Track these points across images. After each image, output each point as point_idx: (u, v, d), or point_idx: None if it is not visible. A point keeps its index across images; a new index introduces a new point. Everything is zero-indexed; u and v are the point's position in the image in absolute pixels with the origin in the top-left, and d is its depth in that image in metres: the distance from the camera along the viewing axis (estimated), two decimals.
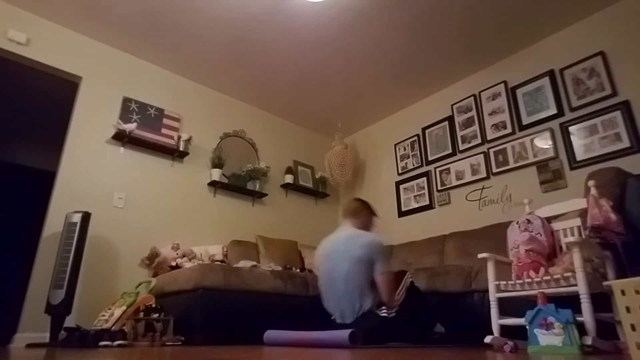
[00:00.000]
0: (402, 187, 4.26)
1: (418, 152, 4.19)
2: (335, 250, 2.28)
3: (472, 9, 3.07)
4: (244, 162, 4.04)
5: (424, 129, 4.19)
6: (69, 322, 2.56)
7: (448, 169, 3.87)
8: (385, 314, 2.10)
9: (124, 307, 2.52)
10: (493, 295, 2.00)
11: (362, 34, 3.34)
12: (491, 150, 3.56)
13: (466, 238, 3.22)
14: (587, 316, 1.61)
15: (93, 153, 3.21)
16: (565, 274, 1.72)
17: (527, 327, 1.67)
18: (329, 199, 4.79)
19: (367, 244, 2.19)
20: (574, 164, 3.02)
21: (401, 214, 4.18)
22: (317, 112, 4.57)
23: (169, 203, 3.51)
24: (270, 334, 2.23)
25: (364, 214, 2.46)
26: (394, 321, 2.08)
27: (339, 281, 2.18)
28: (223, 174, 3.83)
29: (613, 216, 1.77)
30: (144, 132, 3.43)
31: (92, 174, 3.16)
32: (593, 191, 1.89)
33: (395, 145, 4.45)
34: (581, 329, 1.57)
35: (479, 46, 3.49)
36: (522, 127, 3.40)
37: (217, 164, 3.79)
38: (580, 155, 3.01)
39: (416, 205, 4.06)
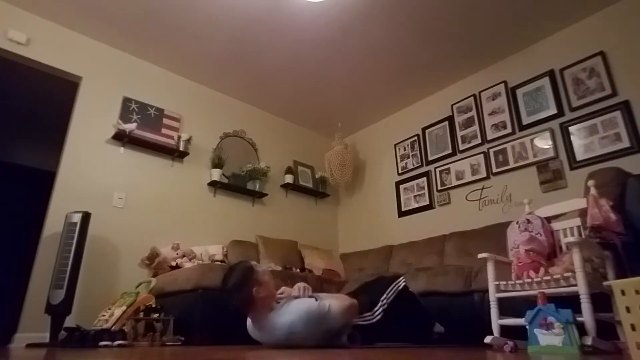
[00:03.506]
0: (402, 187, 4.26)
1: (418, 152, 4.19)
2: (288, 344, 1.96)
3: (472, 9, 3.07)
4: (244, 162, 4.04)
5: (424, 129, 4.19)
6: (69, 322, 2.55)
7: (448, 169, 3.87)
8: (366, 321, 2.07)
9: (124, 307, 2.52)
10: (493, 295, 2.00)
11: (362, 34, 3.34)
12: (491, 150, 3.56)
13: (466, 238, 3.22)
14: (587, 316, 1.61)
15: (93, 153, 3.21)
16: (565, 274, 1.72)
17: (527, 327, 1.67)
18: (329, 199, 4.79)
19: (311, 331, 1.90)
20: (574, 164, 3.02)
21: (401, 214, 4.18)
22: (317, 112, 4.57)
23: (169, 203, 3.51)
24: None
25: (256, 297, 1.95)
26: (379, 322, 2.06)
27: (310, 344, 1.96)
28: (223, 174, 3.83)
29: (613, 216, 1.77)
30: (144, 132, 3.42)
31: (92, 174, 3.16)
32: (593, 191, 1.89)
33: (395, 145, 4.45)
34: (581, 329, 1.57)
35: (479, 46, 3.49)
36: (522, 127, 3.40)
37: (217, 164, 3.79)
38: (580, 155, 3.01)
39: (416, 205, 4.06)
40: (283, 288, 2.11)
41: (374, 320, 2.06)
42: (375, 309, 2.09)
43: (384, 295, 2.14)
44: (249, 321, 2.10)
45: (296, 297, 2.01)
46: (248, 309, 2.01)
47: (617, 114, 2.87)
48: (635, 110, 2.80)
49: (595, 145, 2.94)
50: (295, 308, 1.93)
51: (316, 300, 1.96)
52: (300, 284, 2.08)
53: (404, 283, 2.23)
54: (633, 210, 1.85)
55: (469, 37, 3.37)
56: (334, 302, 1.97)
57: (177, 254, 3.20)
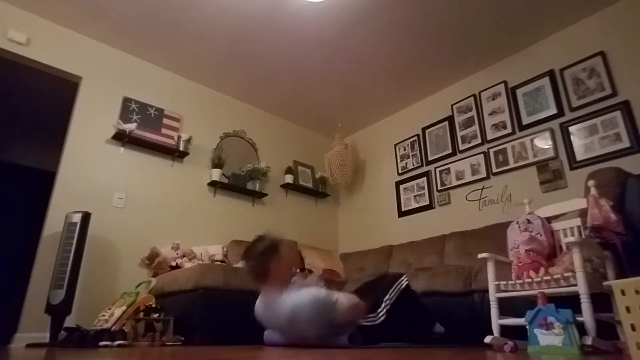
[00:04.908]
0: (402, 187, 4.26)
1: (418, 152, 4.19)
2: (289, 330, 2.01)
3: (472, 9, 3.07)
4: (244, 162, 4.04)
5: (424, 129, 4.19)
6: (69, 322, 2.56)
7: (448, 169, 3.87)
8: (369, 322, 2.06)
9: (124, 307, 2.52)
10: (493, 295, 2.00)
11: (362, 34, 3.34)
12: (491, 150, 3.56)
13: (466, 238, 3.22)
14: (587, 316, 1.61)
15: (93, 153, 3.21)
16: (565, 274, 1.72)
17: (527, 327, 1.67)
18: (329, 199, 4.79)
19: (314, 319, 1.86)
20: (574, 164, 3.02)
21: (401, 214, 4.18)
22: (317, 112, 4.57)
23: (169, 203, 3.51)
24: (270, 334, 2.23)
25: (273, 269, 2.02)
26: (384, 324, 2.06)
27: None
28: (223, 174, 3.83)
29: (613, 216, 1.77)
30: (144, 132, 3.43)
31: (92, 174, 3.16)
32: (593, 191, 1.89)
33: (395, 145, 4.45)
34: (581, 329, 1.57)
35: (479, 46, 3.49)
36: (522, 127, 3.40)
37: (217, 164, 3.79)
38: (580, 155, 3.01)
39: (416, 205, 4.06)
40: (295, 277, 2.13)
41: (377, 322, 2.05)
42: (379, 310, 2.08)
43: (387, 296, 2.13)
44: (258, 301, 2.10)
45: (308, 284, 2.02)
46: (263, 280, 2.03)
47: (617, 114, 2.87)
48: (635, 110, 2.80)
49: (595, 145, 2.94)
50: (304, 292, 1.93)
51: (326, 290, 1.96)
52: (314, 275, 2.09)
53: (406, 282, 2.22)
54: (633, 210, 1.85)
55: (469, 37, 3.37)
56: (342, 297, 1.95)
57: (177, 254, 3.20)
